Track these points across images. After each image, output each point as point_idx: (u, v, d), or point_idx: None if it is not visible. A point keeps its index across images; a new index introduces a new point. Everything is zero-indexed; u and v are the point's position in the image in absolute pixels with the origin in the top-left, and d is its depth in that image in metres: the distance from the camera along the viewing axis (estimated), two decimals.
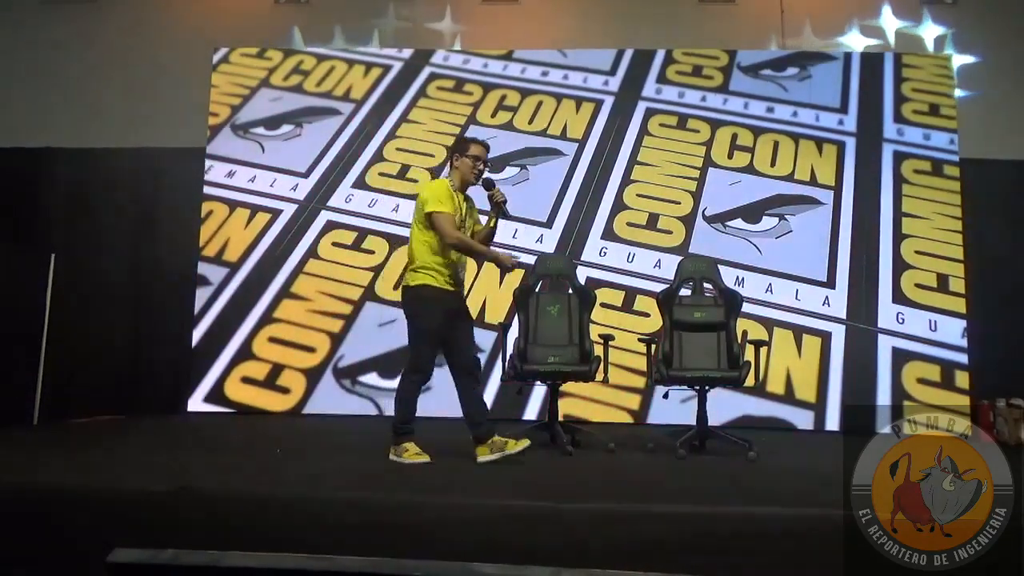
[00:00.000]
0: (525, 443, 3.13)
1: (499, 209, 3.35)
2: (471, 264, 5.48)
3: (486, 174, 3.35)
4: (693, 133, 5.79)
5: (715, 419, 3.96)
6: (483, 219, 3.47)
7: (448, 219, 3.16)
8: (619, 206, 5.59)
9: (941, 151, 5.62)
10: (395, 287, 5.49)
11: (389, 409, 5.29)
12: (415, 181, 5.75)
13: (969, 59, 5.80)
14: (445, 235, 3.16)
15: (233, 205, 5.79)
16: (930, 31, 5.86)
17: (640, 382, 5.06)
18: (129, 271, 5.71)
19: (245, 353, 5.46)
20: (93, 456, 3.46)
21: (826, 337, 5.20)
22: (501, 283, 5.36)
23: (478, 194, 3.44)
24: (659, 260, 5.40)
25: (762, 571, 2.05)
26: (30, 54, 6.09)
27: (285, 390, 5.38)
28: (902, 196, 5.52)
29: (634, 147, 5.77)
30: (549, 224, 5.58)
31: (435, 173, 5.75)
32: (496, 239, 5.26)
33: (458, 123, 5.90)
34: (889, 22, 5.91)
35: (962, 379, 5.13)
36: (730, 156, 5.69)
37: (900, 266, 5.35)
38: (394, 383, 5.42)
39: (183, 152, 5.88)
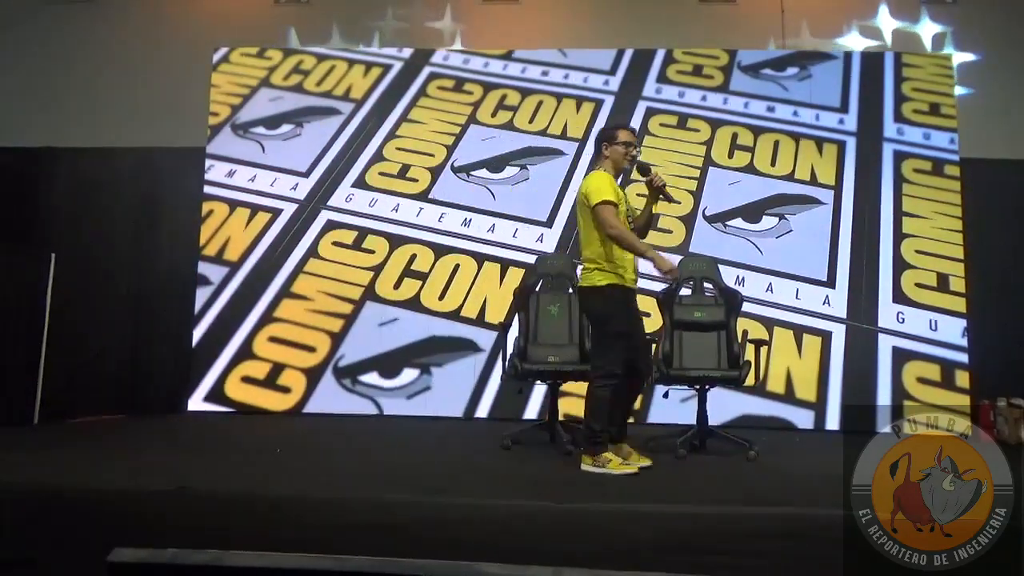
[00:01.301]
0: (634, 467, 2.99)
1: (659, 193, 3.15)
2: (467, 263, 5.53)
3: (639, 158, 3.19)
4: (693, 133, 5.78)
5: (715, 419, 3.96)
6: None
7: (613, 211, 3.03)
8: None
9: (941, 151, 5.62)
10: (395, 286, 5.51)
11: (389, 409, 5.31)
12: (415, 181, 5.76)
13: (969, 58, 5.79)
14: (607, 225, 3.01)
15: (233, 205, 5.79)
16: (930, 30, 5.86)
17: None
18: (129, 271, 5.71)
19: (245, 353, 5.46)
20: (93, 456, 3.47)
21: (826, 337, 5.20)
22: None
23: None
24: None
25: (762, 571, 2.05)
26: (30, 54, 6.09)
27: (285, 390, 5.38)
28: (902, 196, 5.52)
29: None
30: (549, 224, 5.58)
31: (435, 173, 5.76)
32: (496, 238, 5.26)
33: (458, 123, 5.90)
34: (889, 22, 5.91)
35: (962, 379, 5.13)
36: (730, 156, 5.69)
37: (900, 266, 5.35)
38: (394, 382, 5.51)
39: (183, 152, 5.88)
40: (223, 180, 5.84)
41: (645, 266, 3.13)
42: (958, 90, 5.74)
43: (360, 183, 5.78)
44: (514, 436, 3.84)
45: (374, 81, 6.06)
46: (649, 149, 5.74)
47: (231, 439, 4.29)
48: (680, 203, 3.16)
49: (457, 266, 5.51)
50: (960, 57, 5.80)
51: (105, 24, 6.13)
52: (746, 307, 4.26)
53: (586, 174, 3.28)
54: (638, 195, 3.31)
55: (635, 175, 3.48)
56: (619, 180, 3.23)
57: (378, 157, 5.85)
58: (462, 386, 5.31)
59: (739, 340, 3.88)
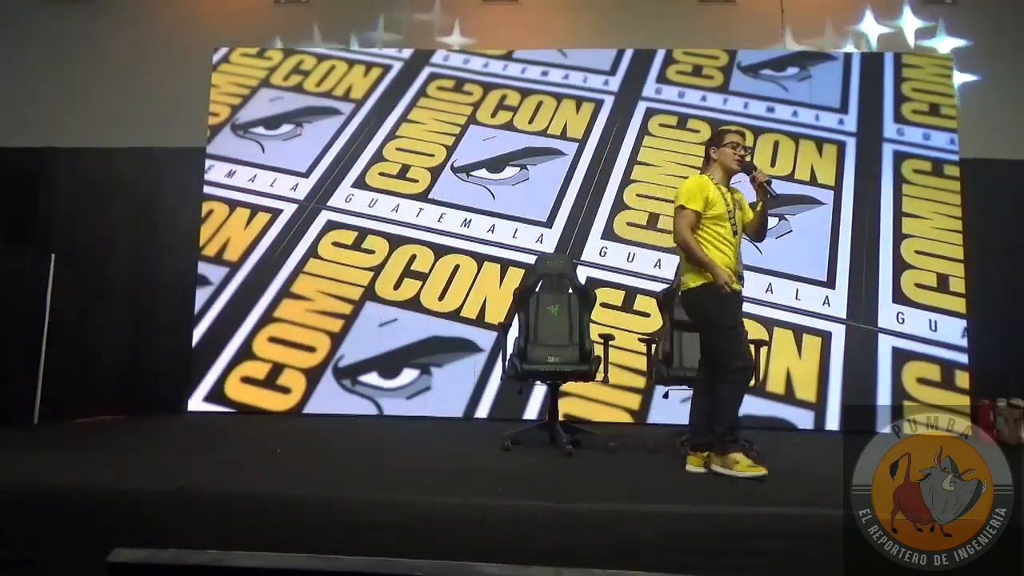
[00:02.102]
0: (763, 469, 2.88)
1: (764, 190, 3.07)
2: (467, 263, 5.53)
3: (746, 159, 3.13)
4: (693, 133, 5.78)
5: None
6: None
7: (688, 216, 3.00)
8: (619, 206, 5.59)
9: (941, 151, 5.62)
10: (396, 287, 5.51)
11: (389, 409, 5.31)
12: (415, 181, 5.76)
13: (968, 56, 5.79)
14: (675, 231, 3.03)
15: (233, 205, 5.79)
16: (930, 30, 5.86)
17: (640, 382, 5.07)
18: (129, 271, 5.71)
19: (245, 353, 5.46)
20: (93, 456, 3.46)
21: (826, 337, 5.20)
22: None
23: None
24: (659, 260, 5.41)
25: (762, 571, 2.05)
26: (30, 54, 6.09)
27: (285, 390, 5.38)
28: (902, 196, 5.52)
29: (634, 147, 5.77)
30: (549, 224, 5.58)
31: (435, 173, 5.76)
32: (496, 238, 5.28)
33: (458, 123, 5.90)
34: (889, 22, 5.91)
35: (962, 379, 5.13)
36: None
37: (900, 266, 5.35)
38: (394, 383, 5.51)
39: (183, 152, 5.88)
40: (223, 180, 5.85)
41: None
42: (957, 89, 5.74)
43: (360, 183, 5.78)
44: (514, 436, 3.84)
45: (374, 81, 6.06)
46: (649, 149, 5.75)
47: (231, 439, 4.29)
48: (778, 196, 3.08)
49: (457, 266, 5.51)
50: (960, 57, 5.80)
51: (105, 24, 6.13)
52: (746, 307, 4.25)
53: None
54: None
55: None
56: (730, 182, 3.18)
57: (378, 157, 5.85)
58: (462, 386, 5.32)
59: None
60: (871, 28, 5.91)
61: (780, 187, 5.52)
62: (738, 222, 3.13)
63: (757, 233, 3.21)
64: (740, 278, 3.11)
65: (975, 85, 5.75)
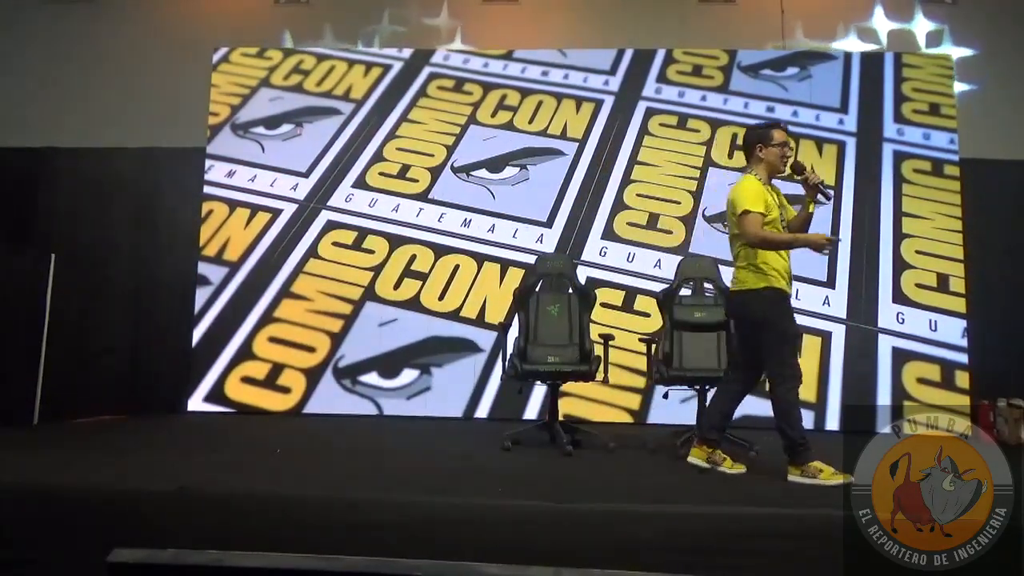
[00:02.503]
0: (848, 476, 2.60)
1: (816, 191, 2.99)
2: (467, 263, 5.53)
3: (793, 158, 3.07)
4: (693, 133, 5.78)
5: None
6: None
7: (756, 219, 2.93)
8: (619, 206, 5.59)
9: (941, 151, 5.62)
10: (395, 287, 5.51)
11: (389, 409, 5.31)
12: (415, 181, 5.76)
13: (969, 57, 5.79)
14: (749, 236, 2.94)
15: (233, 205, 5.79)
16: (929, 30, 5.86)
17: (640, 382, 5.06)
18: (129, 271, 5.71)
19: (245, 353, 5.46)
20: (93, 456, 3.46)
21: (826, 337, 5.20)
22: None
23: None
24: (659, 260, 5.40)
25: (762, 571, 2.05)
26: (30, 54, 6.08)
27: (285, 390, 5.38)
28: (902, 196, 5.52)
29: (634, 147, 5.77)
30: (549, 224, 5.58)
31: (435, 173, 5.76)
32: (496, 238, 5.28)
33: (458, 123, 5.90)
34: (888, 22, 5.91)
35: (962, 379, 5.13)
36: (730, 156, 5.69)
37: (900, 266, 5.34)
38: (394, 382, 5.51)
39: (183, 152, 5.88)
40: (223, 180, 5.84)
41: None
42: (958, 90, 5.74)
43: (360, 183, 5.78)
44: (514, 436, 3.84)
45: (374, 81, 6.06)
46: (649, 149, 5.75)
47: (231, 439, 4.29)
48: (832, 196, 2.99)
49: (457, 266, 5.51)
50: (960, 57, 5.80)
51: (105, 24, 6.13)
52: None
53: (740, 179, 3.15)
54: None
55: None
56: (772, 181, 3.13)
57: (378, 157, 5.85)
58: (462, 386, 5.32)
59: None
60: (871, 28, 5.91)
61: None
62: (784, 220, 3.07)
63: (800, 230, 3.11)
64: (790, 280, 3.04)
65: (975, 85, 5.75)
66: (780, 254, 2.99)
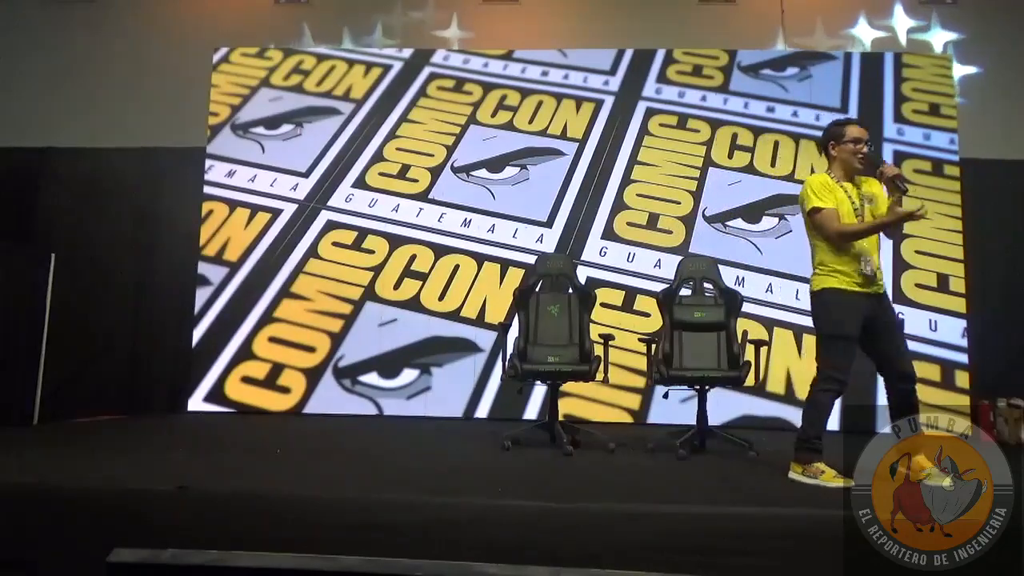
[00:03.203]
0: (850, 480, 2.51)
1: (894, 185, 2.79)
2: (467, 263, 5.53)
3: (868, 152, 2.91)
4: (693, 133, 5.78)
5: (715, 419, 3.96)
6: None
7: (829, 214, 2.84)
8: (619, 206, 5.59)
9: (941, 151, 5.62)
10: (396, 287, 5.51)
11: (389, 409, 5.31)
12: (415, 181, 5.76)
13: (969, 57, 5.79)
14: (828, 231, 2.86)
15: (233, 205, 5.79)
16: (930, 31, 5.86)
17: (640, 382, 5.06)
18: (129, 271, 5.71)
19: (245, 353, 5.46)
20: (93, 456, 3.46)
21: None
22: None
23: None
24: (659, 260, 5.40)
25: (762, 571, 2.05)
26: (30, 54, 6.08)
27: (285, 390, 5.38)
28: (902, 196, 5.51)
29: (634, 147, 5.77)
30: (549, 224, 5.58)
31: (435, 173, 5.76)
32: (496, 238, 5.28)
33: (458, 123, 5.90)
34: (888, 22, 5.91)
35: (962, 379, 5.13)
36: (730, 156, 5.69)
37: (900, 266, 5.34)
38: (394, 383, 5.51)
39: (183, 152, 5.88)
40: (223, 180, 5.84)
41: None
42: (957, 87, 5.74)
43: (360, 183, 5.78)
44: (514, 436, 3.84)
45: (374, 81, 6.06)
46: (649, 149, 5.75)
47: (231, 439, 4.28)
48: (907, 191, 2.77)
49: (457, 266, 5.51)
50: (960, 57, 5.80)
51: (105, 24, 6.13)
52: (746, 307, 4.26)
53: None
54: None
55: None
56: (854, 177, 3.00)
57: (378, 157, 5.85)
58: (462, 386, 5.32)
59: (739, 340, 3.88)
60: (872, 28, 5.91)
61: (780, 187, 5.59)
62: (867, 217, 2.90)
63: (895, 235, 3.03)
64: (872, 278, 2.87)
65: (975, 85, 5.75)
66: (848, 254, 2.88)
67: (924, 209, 2.76)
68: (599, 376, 3.88)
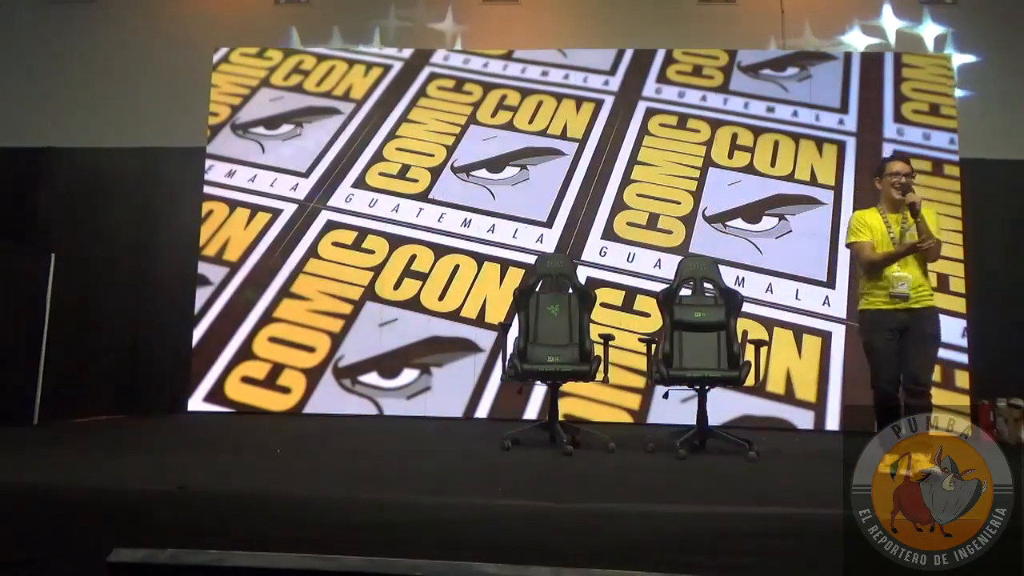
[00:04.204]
0: None
1: (910, 209, 3.15)
2: (467, 263, 5.53)
3: (901, 183, 3.22)
4: (693, 133, 5.79)
5: (715, 419, 3.96)
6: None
7: (860, 247, 3.28)
8: (619, 206, 5.59)
9: (941, 151, 5.62)
10: (396, 287, 5.51)
11: (389, 409, 5.32)
12: (415, 181, 5.76)
13: (969, 58, 5.79)
14: (859, 261, 3.32)
15: (233, 205, 5.79)
16: (930, 31, 5.86)
17: (640, 382, 5.07)
18: (129, 271, 5.71)
19: (245, 353, 5.46)
20: (93, 456, 3.46)
21: (826, 337, 5.20)
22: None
23: None
24: (659, 260, 5.41)
25: (762, 571, 2.05)
26: (30, 54, 6.09)
27: (285, 390, 5.38)
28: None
29: (634, 147, 5.77)
30: (549, 224, 5.58)
31: (435, 173, 5.76)
32: (496, 238, 5.30)
33: (458, 123, 5.90)
34: (889, 22, 5.91)
35: (962, 379, 5.13)
36: (730, 156, 5.69)
37: None
38: (394, 383, 5.51)
39: (183, 152, 5.88)
40: (223, 180, 5.85)
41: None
42: (958, 91, 5.74)
43: (360, 183, 5.78)
44: (514, 436, 3.84)
45: (374, 81, 6.06)
46: (649, 149, 5.75)
47: (231, 439, 4.29)
48: (918, 218, 3.13)
49: (457, 266, 5.51)
50: (960, 58, 5.80)
51: (105, 24, 6.13)
52: (746, 307, 4.26)
53: None
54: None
55: None
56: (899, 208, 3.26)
57: (378, 157, 5.85)
58: (462, 386, 5.32)
59: (739, 340, 3.88)
60: (872, 28, 5.91)
61: (780, 187, 5.59)
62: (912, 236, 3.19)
63: (925, 255, 3.23)
64: (903, 297, 3.15)
65: (975, 85, 5.74)
66: (880, 278, 3.21)
67: (930, 241, 3.10)
68: (599, 376, 3.88)
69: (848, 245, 3.39)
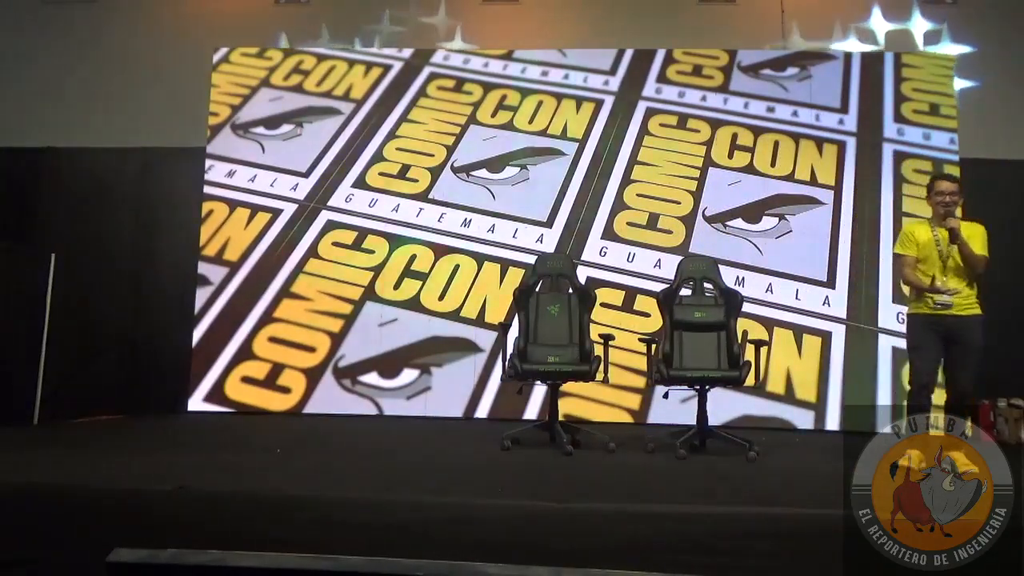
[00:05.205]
0: None
1: (949, 235, 3.35)
2: (467, 263, 5.53)
3: (944, 203, 3.39)
4: (693, 133, 5.78)
5: (715, 419, 3.96)
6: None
7: (902, 262, 3.50)
8: (619, 206, 5.59)
9: (941, 151, 5.62)
10: (396, 287, 5.51)
11: (389, 409, 5.32)
12: (415, 181, 5.76)
13: (969, 56, 5.79)
14: (900, 275, 3.58)
15: (233, 205, 5.79)
16: (930, 31, 5.86)
17: (640, 382, 5.06)
18: (129, 271, 5.71)
19: (245, 353, 5.46)
20: (93, 456, 3.47)
21: (826, 337, 5.20)
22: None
23: None
24: (659, 260, 5.40)
25: (762, 571, 2.05)
26: (30, 54, 6.09)
27: (285, 390, 5.38)
28: (902, 196, 5.52)
29: (634, 147, 5.77)
30: (549, 224, 5.58)
31: (436, 173, 5.76)
32: (496, 238, 5.32)
33: (458, 123, 5.90)
34: (888, 22, 5.91)
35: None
36: (730, 156, 5.69)
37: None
38: (394, 383, 5.51)
39: (183, 152, 5.88)
40: (223, 180, 5.85)
41: None
42: (957, 87, 5.74)
43: (360, 183, 5.78)
44: (514, 436, 3.85)
45: (374, 81, 6.06)
46: (649, 149, 5.75)
47: (231, 439, 4.29)
48: (957, 239, 3.35)
49: (457, 266, 5.51)
50: (960, 56, 5.80)
51: (105, 24, 6.13)
52: (746, 307, 4.26)
53: None
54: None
55: None
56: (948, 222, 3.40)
57: (378, 157, 5.85)
58: (462, 386, 5.32)
59: (739, 340, 3.88)
60: (871, 28, 5.91)
61: (780, 187, 5.59)
62: (956, 255, 3.38)
63: (966, 261, 3.40)
64: (946, 305, 3.31)
65: (975, 84, 5.74)
66: (923, 283, 3.38)
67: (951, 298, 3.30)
68: (599, 376, 3.88)
69: (893, 256, 3.68)
